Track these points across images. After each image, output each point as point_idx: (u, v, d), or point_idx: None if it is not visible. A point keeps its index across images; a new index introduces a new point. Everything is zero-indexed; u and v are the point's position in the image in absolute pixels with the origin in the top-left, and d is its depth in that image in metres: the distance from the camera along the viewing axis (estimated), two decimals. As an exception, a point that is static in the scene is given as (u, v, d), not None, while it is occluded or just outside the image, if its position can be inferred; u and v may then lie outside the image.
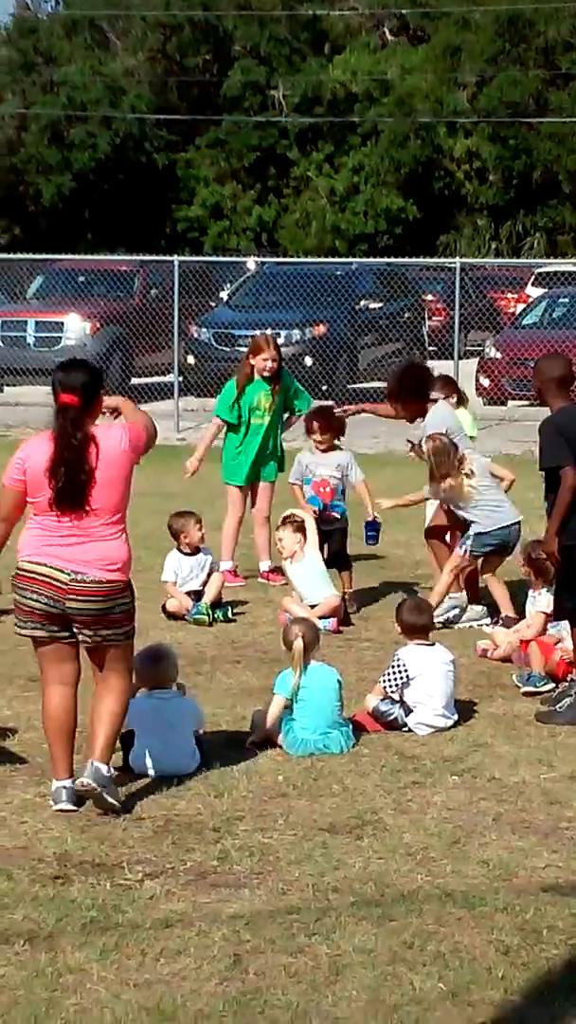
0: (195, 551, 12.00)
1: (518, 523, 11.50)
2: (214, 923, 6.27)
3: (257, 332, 26.21)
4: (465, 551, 11.36)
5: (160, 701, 8.27)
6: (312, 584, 11.52)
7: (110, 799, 7.46)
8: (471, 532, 11.36)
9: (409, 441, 11.99)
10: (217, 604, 11.83)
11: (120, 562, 7.58)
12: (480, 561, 11.56)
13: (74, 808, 7.53)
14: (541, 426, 9.21)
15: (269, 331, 25.75)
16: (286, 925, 6.27)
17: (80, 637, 7.58)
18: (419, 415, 11.83)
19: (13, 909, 6.42)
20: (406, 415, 11.99)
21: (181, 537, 12.01)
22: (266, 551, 13.17)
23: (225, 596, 12.07)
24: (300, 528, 11.53)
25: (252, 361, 13.09)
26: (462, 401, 12.89)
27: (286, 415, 13.41)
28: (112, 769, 7.62)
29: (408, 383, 11.95)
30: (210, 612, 11.69)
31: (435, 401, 11.89)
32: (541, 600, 10.30)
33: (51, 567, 7.45)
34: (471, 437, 12.37)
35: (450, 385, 12.80)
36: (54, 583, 7.44)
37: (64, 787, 7.59)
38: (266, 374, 13.06)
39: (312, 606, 11.35)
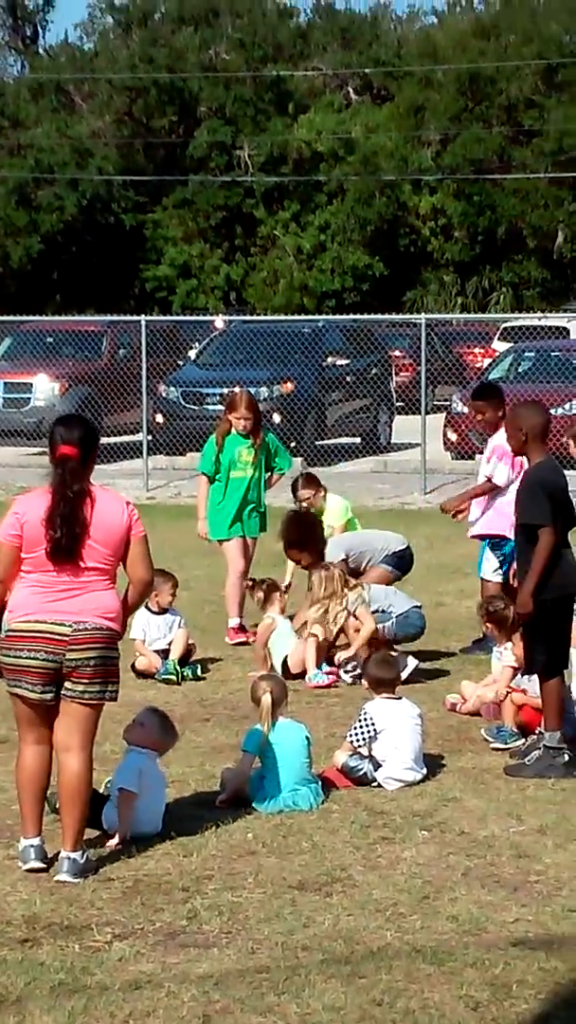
0: (164, 611, 12.00)
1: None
2: (183, 983, 6.24)
3: (225, 390, 26.45)
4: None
5: (153, 760, 8.26)
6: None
7: (85, 877, 7.47)
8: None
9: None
10: (185, 662, 11.83)
11: (115, 611, 7.60)
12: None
13: (43, 867, 7.51)
14: (525, 479, 9.22)
15: (234, 389, 25.94)
16: (255, 984, 6.24)
17: (70, 689, 7.50)
18: (312, 567, 12.18)
19: (-19, 973, 6.38)
20: (303, 562, 12.48)
21: (152, 596, 12.01)
22: (236, 608, 13.16)
23: (203, 653, 12.09)
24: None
25: (229, 417, 13.17)
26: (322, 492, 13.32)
27: (267, 474, 13.42)
28: (84, 848, 7.58)
29: (302, 533, 12.59)
30: (178, 670, 11.69)
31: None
32: (507, 655, 10.31)
33: (51, 623, 7.46)
34: (344, 523, 13.10)
35: (314, 481, 13.30)
36: (55, 637, 7.44)
37: (33, 846, 7.57)
38: (241, 431, 13.13)
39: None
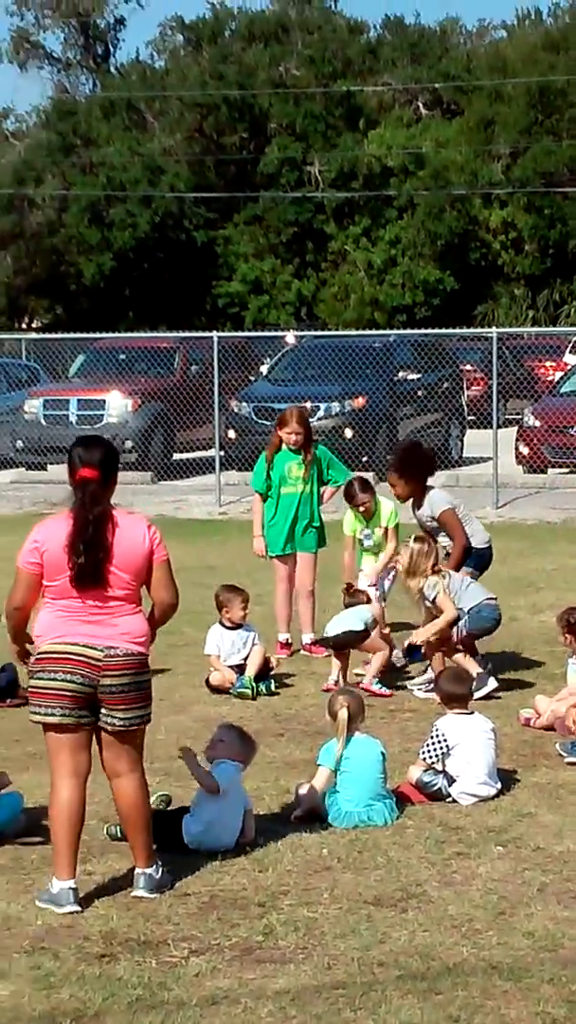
0: (237, 626, 12.04)
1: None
2: (260, 999, 6.26)
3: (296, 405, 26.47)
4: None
5: (240, 772, 8.30)
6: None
7: (163, 892, 7.46)
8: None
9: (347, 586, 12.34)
10: (261, 677, 11.85)
11: (144, 635, 7.47)
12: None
13: (80, 909, 7.29)
14: None
15: (306, 404, 25.96)
16: (332, 1000, 6.25)
17: (108, 721, 7.38)
18: (418, 493, 12.04)
19: (59, 988, 6.42)
20: (403, 494, 12.14)
21: (223, 611, 12.05)
22: (309, 624, 13.20)
23: (276, 668, 12.11)
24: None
25: (280, 433, 13.21)
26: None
27: (322, 488, 13.45)
28: (158, 863, 7.57)
29: (413, 461, 12.22)
30: (254, 686, 11.71)
31: (430, 487, 12.17)
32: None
33: (83, 645, 7.30)
34: (394, 526, 12.80)
35: (370, 488, 12.96)
36: (89, 661, 7.29)
37: (70, 888, 7.34)
38: (292, 447, 13.16)
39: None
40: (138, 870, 7.50)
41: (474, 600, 11.50)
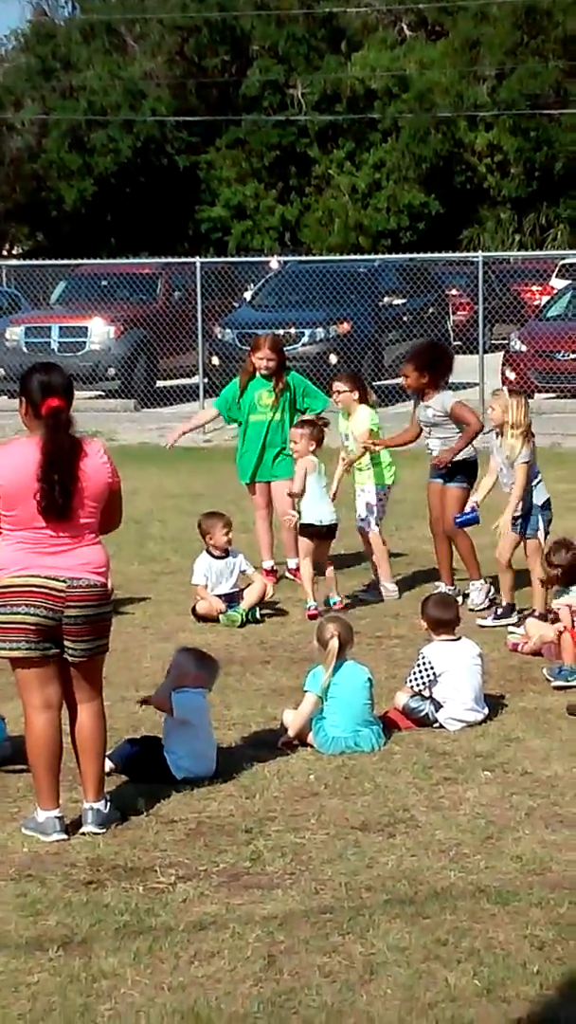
0: (225, 554, 11.97)
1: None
2: (247, 924, 6.26)
3: (281, 331, 26.36)
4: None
5: (204, 697, 8.25)
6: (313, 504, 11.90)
7: (111, 827, 7.39)
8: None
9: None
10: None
11: (104, 566, 7.38)
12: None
13: (66, 837, 7.29)
14: None
15: (291, 329, 25.82)
16: (320, 925, 6.25)
17: (70, 651, 7.30)
18: (427, 388, 12.17)
19: (47, 915, 6.42)
20: (413, 384, 12.21)
21: (207, 538, 12.00)
22: (293, 551, 13.15)
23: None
24: (316, 436, 11.98)
25: (252, 359, 13.09)
26: (365, 399, 12.80)
27: (297, 415, 13.30)
28: (107, 798, 7.48)
29: (432, 356, 12.38)
30: (244, 616, 11.66)
31: (444, 386, 12.30)
32: (571, 595, 10.26)
33: (45, 577, 7.19)
34: (370, 429, 12.56)
35: (355, 381, 12.83)
36: (52, 592, 7.18)
37: (56, 817, 7.33)
38: (264, 372, 13.04)
39: (307, 525, 11.87)
40: (86, 804, 7.40)
41: (541, 498, 11.73)
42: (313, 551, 11.98)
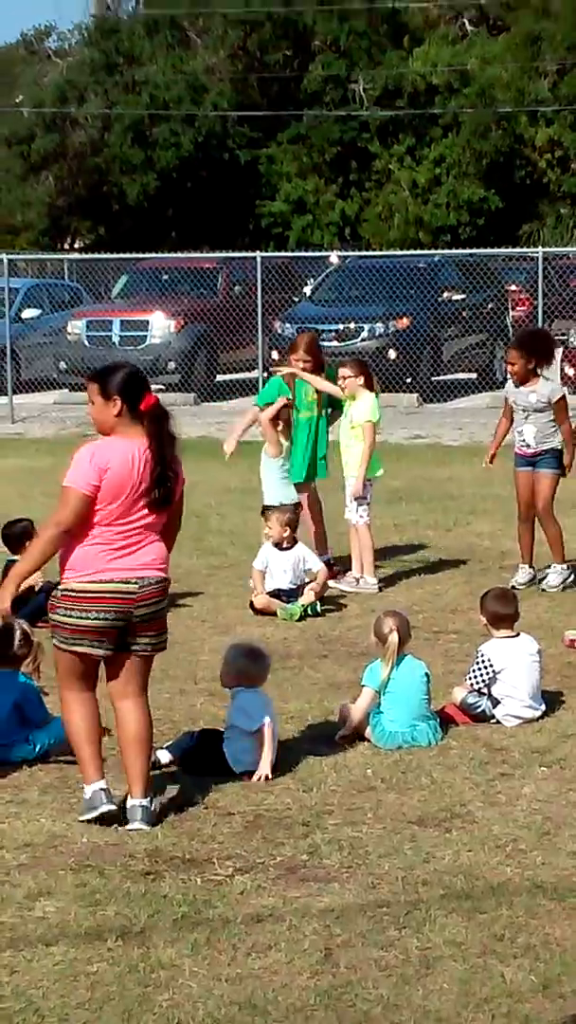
0: (290, 546, 11.96)
1: None
2: (304, 917, 6.30)
3: (341, 326, 26.39)
4: None
5: (264, 696, 8.28)
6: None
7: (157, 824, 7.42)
8: None
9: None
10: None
11: (167, 559, 7.54)
12: None
13: (115, 808, 7.38)
14: None
15: (351, 324, 25.82)
16: (376, 919, 6.28)
17: (138, 646, 7.44)
18: (531, 375, 12.48)
19: (105, 905, 6.47)
20: (520, 371, 12.48)
21: (264, 529, 12.05)
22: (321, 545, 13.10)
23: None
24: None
25: (291, 359, 13.07)
26: (371, 387, 12.81)
27: (330, 410, 13.26)
28: (153, 793, 7.53)
29: (540, 343, 12.78)
30: (303, 611, 11.69)
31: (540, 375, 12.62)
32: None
33: (120, 581, 7.31)
34: (370, 421, 12.63)
35: (360, 367, 12.86)
36: (125, 596, 7.31)
37: (100, 788, 7.43)
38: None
39: (269, 507, 12.23)
40: (134, 802, 7.43)
41: None
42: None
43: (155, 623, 7.47)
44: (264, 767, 7.98)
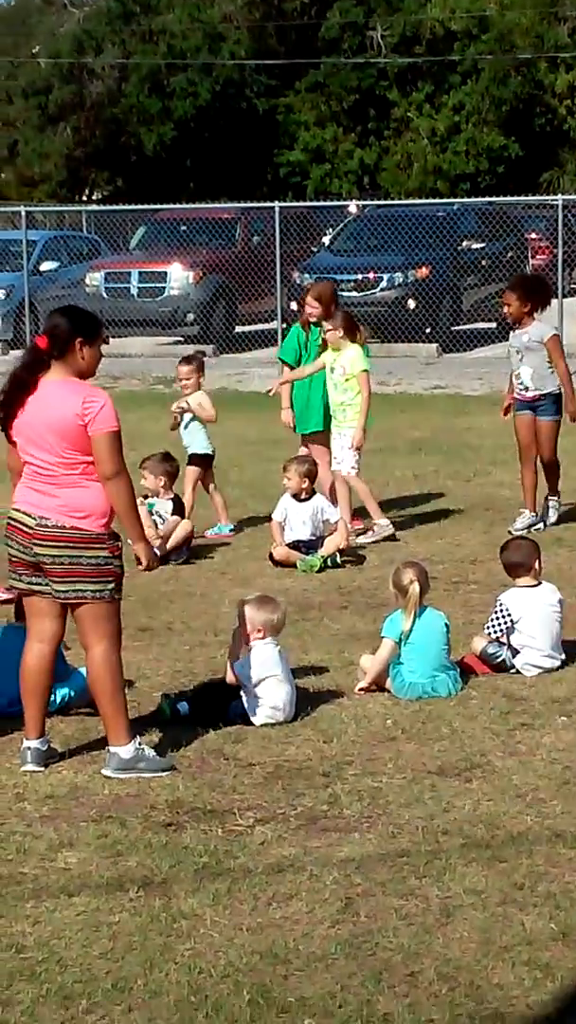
0: (308, 498, 11.97)
1: None
2: (325, 867, 6.32)
3: (359, 276, 26.30)
4: None
5: (277, 648, 8.28)
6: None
7: (150, 773, 7.40)
8: None
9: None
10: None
11: (84, 511, 7.35)
12: None
13: (39, 769, 7.46)
14: None
15: (370, 274, 25.73)
16: (397, 868, 6.31)
17: (51, 590, 7.43)
18: (526, 316, 12.65)
19: (127, 856, 6.51)
20: (515, 312, 12.68)
21: (283, 479, 12.06)
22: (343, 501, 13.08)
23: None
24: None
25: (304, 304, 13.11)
26: (354, 338, 12.72)
27: None
28: (138, 743, 7.49)
29: (535, 286, 12.96)
30: (323, 563, 11.69)
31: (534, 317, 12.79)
32: None
33: (22, 512, 7.46)
34: (364, 370, 12.57)
35: (343, 319, 12.71)
36: (23, 528, 7.42)
37: (29, 748, 7.53)
38: (312, 320, 12.99)
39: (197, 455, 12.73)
40: (108, 747, 7.49)
41: None
42: (202, 477, 13.08)
43: (61, 570, 7.40)
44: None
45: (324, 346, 12.80)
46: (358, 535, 12.57)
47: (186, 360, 13.49)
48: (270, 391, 13.20)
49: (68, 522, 7.28)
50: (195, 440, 13.17)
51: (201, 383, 13.40)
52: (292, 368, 13.07)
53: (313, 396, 13.01)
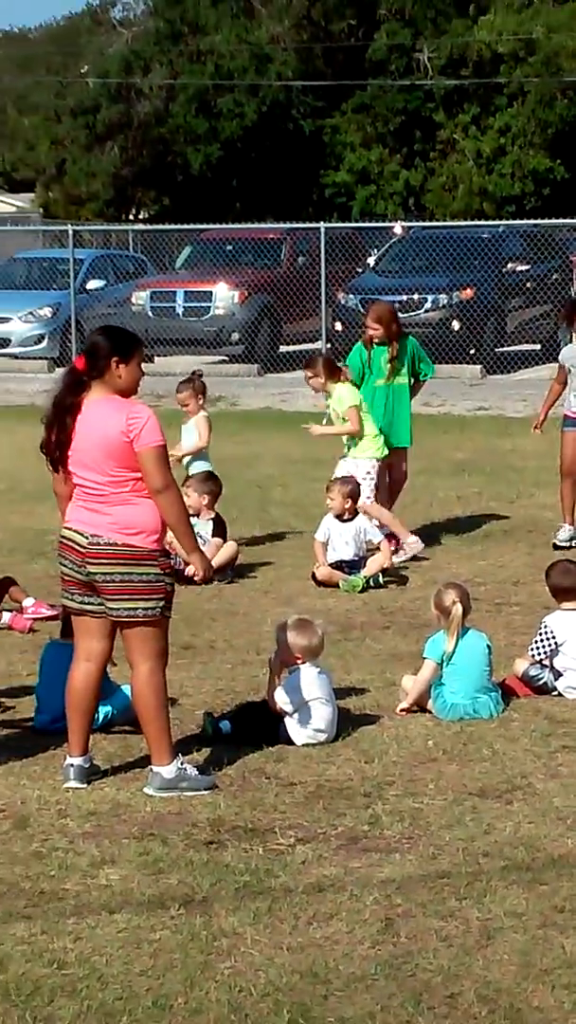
0: (350, 518, 11.99)
1: None
2: (365, 887, 6.33)
3: (404, 297, 26.32)
4: None
5: (314, 669, 8.29)
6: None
7: (192, 792, 7.40)
8: None
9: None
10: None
11: (136, 527, 7.36)
12: None
13: (82, 786, 7.50)
14: None
15: (414, 295, 25.76)
16: (437, 889, 6.31)
17: (104, 608, 7.46)
18: None
19: (168, 874, 6.53)
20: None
21: (326, 499, 12.09)
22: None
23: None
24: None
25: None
26: (337, 377, 12.79)
27: (413, 380, 13.32)
28: (181, 762, 7.49)
29: None
30: (365, 584, 11.71)
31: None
32: None
33: (74, 531, 7.52)
34: (354, 406, 12.61)
35: (318, 364, 12.87)
36: (75, 547, 7.48)
37: (72, 765, 7.56)
38: (375, 342, 13.04)
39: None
40: (151, 765, 7.50)
41: None
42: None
43: (113, 587, 7.47)
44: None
45: (392, 366, 12.93)
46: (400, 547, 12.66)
47: (183, 384, 13.33)
48: (313, 434, 13.05)
49: (120, 539, 7.31)
50: (196, 462, 13.12)
51: (202, 404, 13.34)
52: (357, 386, 13.13)
53: (400, 410, 13.07)
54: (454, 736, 8.23)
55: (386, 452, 12.77)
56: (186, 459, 13.00)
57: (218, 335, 27.75)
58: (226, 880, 6.44)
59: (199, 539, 11.90)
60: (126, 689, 7.90)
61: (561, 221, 32.13)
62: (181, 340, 27.65)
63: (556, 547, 12.79)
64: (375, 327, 13.02)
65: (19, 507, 14.92)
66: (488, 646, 8.75)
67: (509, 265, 28.17)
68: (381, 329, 12.99)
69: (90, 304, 28.99)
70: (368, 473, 12.62)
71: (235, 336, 27.75)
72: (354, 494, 12.05)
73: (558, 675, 8.89)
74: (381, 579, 11.84)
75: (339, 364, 13.07)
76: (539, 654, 8.92)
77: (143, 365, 7.68)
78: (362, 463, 12.63)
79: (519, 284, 27.99)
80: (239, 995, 5.46)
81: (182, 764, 7.49)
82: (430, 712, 8.57)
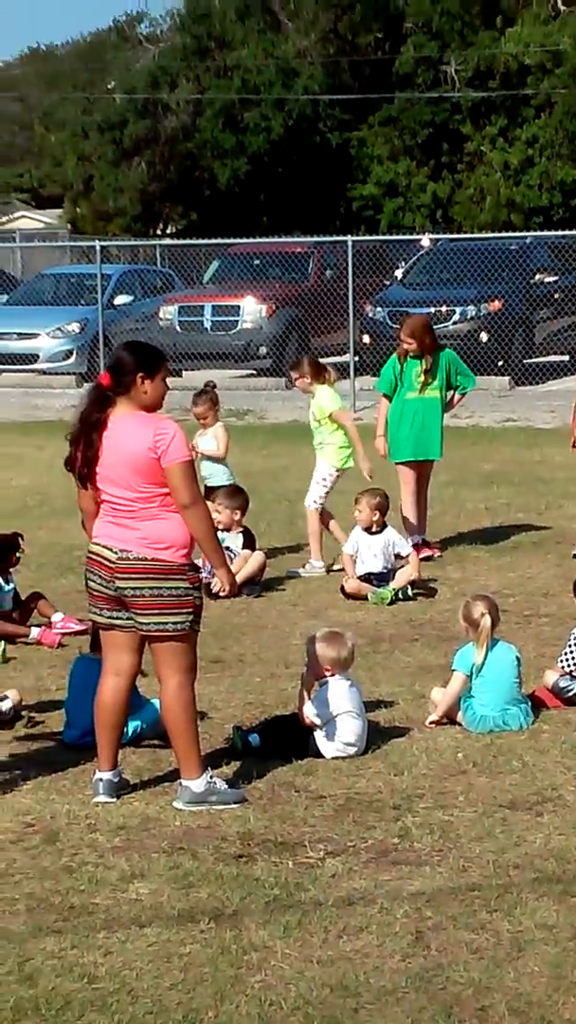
0: (379, 530, 11.98)
1: None
2: (396, 900, 6.32)
3: (432, 309, 26.31)
4: None
5: (347, 683, 8.29)
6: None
7: (221, 805, 7.40)
8: None
9: None
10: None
11: (165, 542, 7.37)
12: None
13: (112, 801, 7.51)
14: None
15: (442, 308, 25.77)
16: (467, 902, 6.29)
17: (134, 623, 7.46)
18: None
19: (198, 887, 6.53)
20: None
21: (355, 512, 12.09)
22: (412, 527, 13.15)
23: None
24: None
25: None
26: (322, 379, 12.87)
27: (449, 393, 13.35)
28: (210, 776, 7.49)
29: None
30: (394, 596, 11.70)
31: None
32: None
33: (102, 546, 7.54)
34: (339, 409, 12.87)
35: (304, 365, 12.99)
36: (104, 563, 7.49)
37: (102, 780, 7.57)
38: (409, 354, 13.06)
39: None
40: (181, 779, 7.49)
41: None
42: None
43: (143, 603, 7.47)
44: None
45: (424, 379, 12.96)
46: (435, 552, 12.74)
47: (199, 397, 13.39)
48: (370, 475, 12.98)
49: (150, 554, 7.32)
50: (215, 471, 13.22)
51: (219, 415, 13.52)
52: (390, 399, 13.10)
53: (431, 423, 13.10)
54: (484, 748, 8.21)
55: (349, 465, 12.81)
56: (203, 464, 12.98)
57: (246, 349, 27.78)
58: (256, 894, 6.43)
59: (229, 553, 12.00)
60: (155, 703, 7.90)
61: (589, 232, 32.11)
62: (209, 354, 27.68)
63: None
64: (409, 341, 13.04)
65: (47, 522, 14.94)
66: (517, 658, 8.73)
67: (537, 276, 28.14)
68: (415, 343, 13.02)
69: (118, 319, 29.03)
70: (324, 479, 12.71)
71: (263, 350, 27.77)
72: (382, 506, 12.04)
73: (588, 686, 8.86)
74: (410, 591, 11.83)
75: (324, 365, 13.10)
76: (569, 666, 8.90)
77: (170, 379, 7.70)
78: (322, 467, 12.71)
79: (547, 295, 27.96)
80: (269, 1008, 5.45)
81: (212, 778, 7.48)
82: (459, 724, 8.55)
